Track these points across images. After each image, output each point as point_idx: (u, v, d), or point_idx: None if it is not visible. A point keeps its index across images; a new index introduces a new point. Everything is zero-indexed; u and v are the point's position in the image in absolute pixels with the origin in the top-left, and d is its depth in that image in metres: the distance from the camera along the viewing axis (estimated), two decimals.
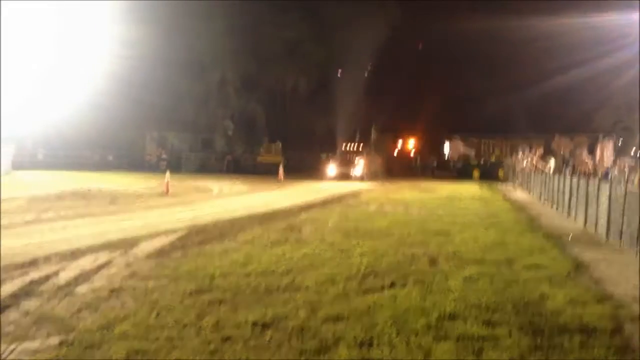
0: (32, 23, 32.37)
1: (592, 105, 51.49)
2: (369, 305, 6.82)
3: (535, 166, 33.31)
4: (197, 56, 45.51)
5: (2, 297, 6.74)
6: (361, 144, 40.66)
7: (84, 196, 20.48)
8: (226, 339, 5.58)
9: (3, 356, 5.04)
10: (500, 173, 45.15)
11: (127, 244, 10.59)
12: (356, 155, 38.31)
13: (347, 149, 40.14)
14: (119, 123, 44.07)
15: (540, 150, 47.28)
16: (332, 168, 36.92)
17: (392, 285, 7.89)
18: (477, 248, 11.07)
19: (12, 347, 5.25)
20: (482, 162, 49.44)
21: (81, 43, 35.33)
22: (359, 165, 37.23)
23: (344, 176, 35.73)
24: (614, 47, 43.42)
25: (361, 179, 35.67)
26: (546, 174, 25.00)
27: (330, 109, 44.17)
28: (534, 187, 26.83)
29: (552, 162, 33.37)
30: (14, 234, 11.51)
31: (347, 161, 37.69)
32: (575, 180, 17.23)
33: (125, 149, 47.96)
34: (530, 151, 45.03)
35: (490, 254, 10.39)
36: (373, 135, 45.79)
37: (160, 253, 9.77)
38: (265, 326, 5.98)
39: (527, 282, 8.22)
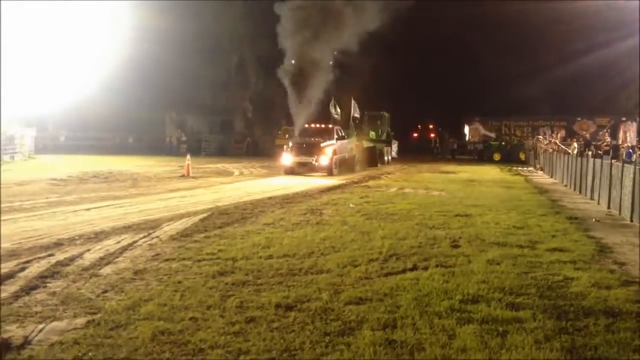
0: (51, 8, 32.46)
1: (614, 87, 50.84)
2: (391, 288, 6.82)
3: (558, 148, 32.94)
4: (215, 38, 45.43)
5: (29, 278, 6.84)
6: (330, 125, 28.19)
7: (106, 179, 20.68)
8: (250, 320, 5.61)
9: (32, 335, 5.12)
10: (522, 155, 44.78)
11: (149, 226, 10.68)
12: (322, 139, 26.17)
13: (310, 130, 28.00)
14: (138, 106, 44.21)
15: (562, 133, 46.89)
16: (286, 157, 25.77)
17: (414, 267, 7.88)
18: (500, 231, 11.01)
19: (41, 326, 5.32)
20: (503, 144, 49.00)
21: (100, 27, 35.41)
22: (325, 154, 25.41)
23: (304, 168, 25.65)
24: (636, 28, 42.66)
25: (328, 171, 25.32)
26: (568, 156, 24.73)
27: (348, 90, 39.13)
28: (556, 169, 26.58)
29: (574, 145, 32.96)
30: (38, 216, 11.68)
31: (307, 147, 25.75)
32: (598, 162, 17.03)
33: (145, 131, 48.20)
34: (552, 134, 44.65)
35: (513, 237, 10.32)
36: (354, 112, 32.59)
37: (183, 235, 9.83)
38: (288, 308, 6.00)
39: (551, 265, 8.16)
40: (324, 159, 25.33)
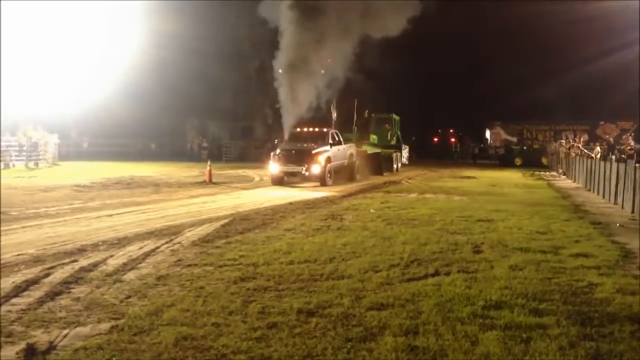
0: (70, 15, 32.83)
1: (637, 89, 50.25)
2: (413, 293, 6.79)
3: (580, 153, 32.59)
4: (236, 44, 45.73)
5: (54, 284, 6.93)
6: (325, 128, 25.05)
7: (128, 185, 20.89)
8: (272, 325, 5.62)
9: (57, 340, 5.18)
10: (544, 160, 44.40)
11: (171, 232, 10.75)
12: (315, 145, 23.06)
13: (302, 135, 24.74)
14: (160, 112, 44.69)
15: (584, 137, 46.45)
16: (273, 166, 22.66)
17: (436, 273, 7.84)
18: (522, 236, 10.91)
19: (65, 332, 5.38)
20: (524, 148, 48.61)
21: (122, 34, 35.75)
22: (317, 162, 22.25)
23: (294, 178, 23.13)
24: None
25: (321, 181, 22.31)
26: (591, 160, 24.47)
27: (366, 94, 34.69)
28: (579, 174, 26.29)
29: (597, 149, 32.58)
30: (62, 222, 11.82)
31: (297, 154, 22.62)
32: (622, 166, 16.82)
33: (167, 137, 48.66)
34: (574, 138, 44.24)
35: (536, 242, 10.23)
36: (357, 115, 30.11)
37: (205, 241, 9.88)
38: (310, 313, 6.00)
39: (575, 271, 8.07)
40: (316, 167, 22.19)
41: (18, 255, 8.41)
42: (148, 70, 38.68)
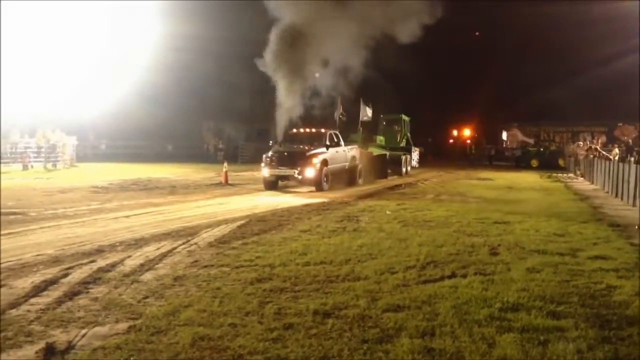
0: (87, 17, 33.02)
1: None
2: (429, 295, 6.77)
3: (598, 154, 32.29)
4: (251, 46, 45.79)
5: (72, 284, 7.00)
6: (322, 129, 23.01)
7: (145, 186, 21.01)
8: (288, 326, 5.63)
9: (75, 340, 5.22)
10: (561, 162, 44.04)
11: (188, 233, 10.81)
12: (311, 146, 21.40)
13: (298, 136, 23.09)
14: (177, 114, 44.80)
15: (602, 138, 46.03)
16: (265, 170, 21.11)
17: (453, 275, 7.81)
18: (539, 238, 10.84)
19: (84, 331, 5.43)
20: (541, 150, 48.22)
21: (136, 37, 35.90)
22: (312, 165, 20.50)
23: (288, 182, 21.98)
24: None
25: (316, 186, 20.69)
26: (610, 162, 24.25)
27: (380, 94, 33.36)
28: (597, 176, 26.06)
29: (616, 150, 32.26)
30: (80, 223, 11.93)
31: (290, 157, 20.96)
32: None
33: (183, 139, 48.85)
34: (592, 139, 43.87)
35: (553, 245, 10.15)
36: (363, 115, 28.16)
37: (221, 242, 9.92)
38: (326, 315, 6.00)
39: (593, 273, 8.00)
40: (310, 170, 20.42)
41: (37, 255, 8.52)
42: (165, 72, 38.85)
